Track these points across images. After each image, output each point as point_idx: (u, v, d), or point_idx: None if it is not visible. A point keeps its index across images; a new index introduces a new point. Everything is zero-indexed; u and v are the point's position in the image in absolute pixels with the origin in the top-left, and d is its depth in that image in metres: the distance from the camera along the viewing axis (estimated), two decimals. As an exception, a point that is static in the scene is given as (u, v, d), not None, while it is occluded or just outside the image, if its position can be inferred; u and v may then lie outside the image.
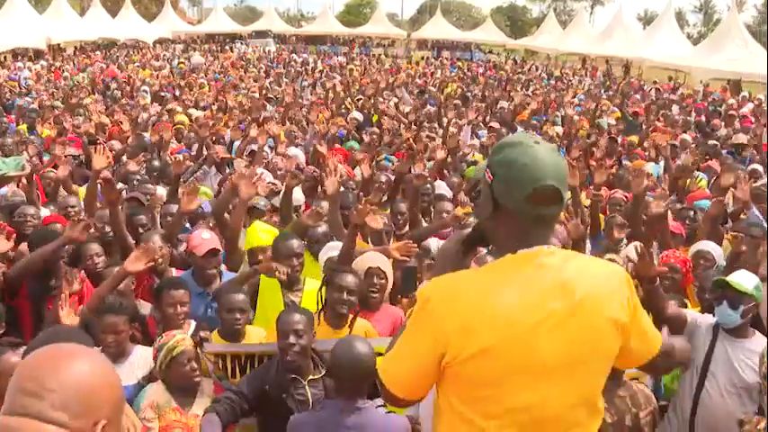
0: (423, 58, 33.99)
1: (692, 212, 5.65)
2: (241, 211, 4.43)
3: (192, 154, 7.67)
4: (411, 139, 8.37)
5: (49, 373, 1.23)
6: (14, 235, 3.86)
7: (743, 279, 3.46)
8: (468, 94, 15.53)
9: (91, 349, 1.44)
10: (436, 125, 10.47)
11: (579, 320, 1.59)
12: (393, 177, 6.26)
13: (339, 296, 3.47)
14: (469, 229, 1.86)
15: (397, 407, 1.89)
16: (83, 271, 4.07)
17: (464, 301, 1.57)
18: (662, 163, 7.93)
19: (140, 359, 3.28)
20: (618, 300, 1.65)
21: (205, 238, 4.07)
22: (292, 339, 3.00)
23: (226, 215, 4.70)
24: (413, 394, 1.71)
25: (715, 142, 9.57)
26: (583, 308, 1.59)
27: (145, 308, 3.84)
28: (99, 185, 4.80)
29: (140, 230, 4.65)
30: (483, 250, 1.98)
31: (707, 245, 4.70)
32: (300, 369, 3.07)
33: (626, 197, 5.86)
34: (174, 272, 4.29)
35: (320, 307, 3.52)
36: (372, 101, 12.66)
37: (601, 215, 5.52)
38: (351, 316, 3.54)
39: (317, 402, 2.97)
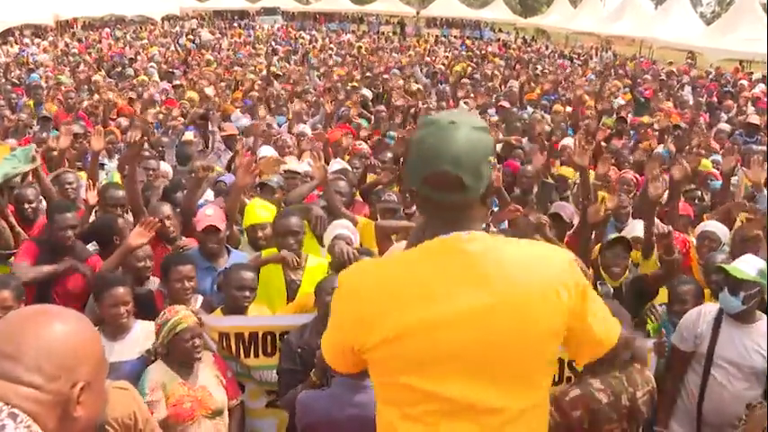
0: (431, 36, 33.59)
1: (699, 192, 5.62)
2: (236, 195, 4.35)
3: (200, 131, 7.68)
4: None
5: (23, 333, 1.17)
6: None
7: (743, 265, 3.38)
8: (477, 74, 15.37)
9: (69, 310, 1.33)
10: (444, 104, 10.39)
11: (500, 320, 1.46)
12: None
13: None
14: None
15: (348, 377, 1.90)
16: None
17: (364, 294, 1.54)
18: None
19: (142, 333, 3.29)
20: (554, 289, 1.49)
21: (208, 215, 4.05)
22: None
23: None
24: (347, 369, 1.74)
25: (726, 126, 9.29)
26: (505, 306, 1.46)
27: (153, 284, 3.85)
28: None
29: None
30: None
31: (712, 225, 4.59)
32: None
33: (636, 178, 5.83)
34: (183, 239, 4.26)
35: None
36: (381, 79, 12.56)
37: (606, 195, 5.50)
38: None
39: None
